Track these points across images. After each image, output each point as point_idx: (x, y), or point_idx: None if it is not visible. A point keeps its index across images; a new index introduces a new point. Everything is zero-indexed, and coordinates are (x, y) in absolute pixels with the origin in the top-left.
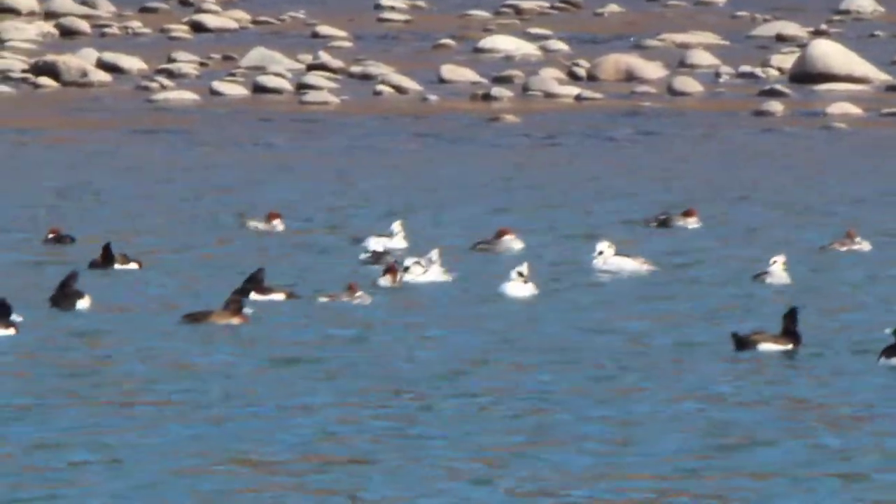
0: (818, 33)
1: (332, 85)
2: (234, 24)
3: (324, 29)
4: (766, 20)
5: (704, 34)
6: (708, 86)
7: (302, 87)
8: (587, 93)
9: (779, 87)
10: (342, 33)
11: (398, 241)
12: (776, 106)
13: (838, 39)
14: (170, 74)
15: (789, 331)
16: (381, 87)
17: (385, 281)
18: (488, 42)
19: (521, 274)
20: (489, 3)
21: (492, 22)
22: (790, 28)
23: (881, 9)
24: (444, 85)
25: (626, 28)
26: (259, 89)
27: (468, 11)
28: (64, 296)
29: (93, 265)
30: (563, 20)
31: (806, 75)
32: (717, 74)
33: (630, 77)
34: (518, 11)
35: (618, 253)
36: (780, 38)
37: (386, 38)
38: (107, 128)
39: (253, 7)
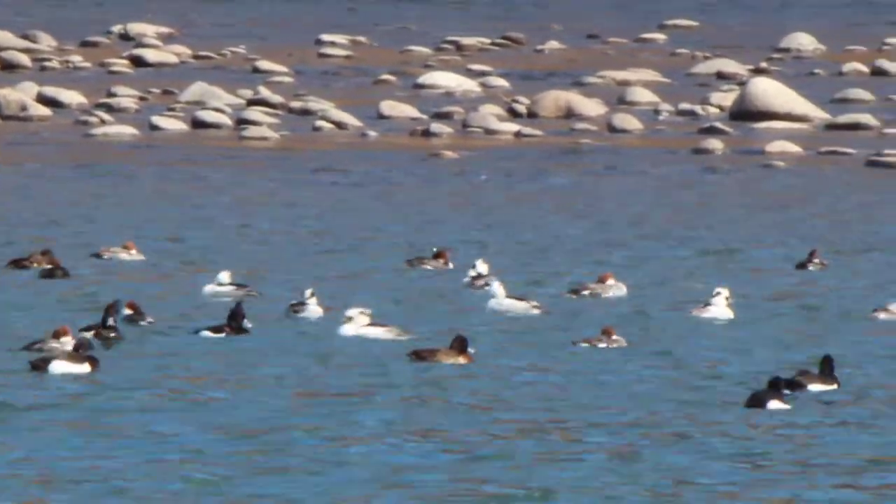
0: (758, 71)
1: (272, 120)
2: (174, 59)
3: (264, 64)
4: (706, 58)
5: (644, 72)
6: (647, 123)
7: (241, 122)
8: (527, 129)
9: (718, 124)
10: (283, 68)
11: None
12: (715, 144)
13: (778, 77)
14: (109, 109)
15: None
16: (320, 123)
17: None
18: (428, 78)
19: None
20: (430, 40)
21: (432, 58)
22: (730, 66)
23: (822, 47)
24: (383, 121)
25: (567, 65)
26: (198, 124)
27: (409, 47)
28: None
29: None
30: (504, 56)
31: (745, 113)
32: (657, 112)
33: (570, 114)
34: (458, 47)
35: (510, 295)
36: (720, 76)
37: (326, 73)
38: (45, 162)
39: (193, 42)
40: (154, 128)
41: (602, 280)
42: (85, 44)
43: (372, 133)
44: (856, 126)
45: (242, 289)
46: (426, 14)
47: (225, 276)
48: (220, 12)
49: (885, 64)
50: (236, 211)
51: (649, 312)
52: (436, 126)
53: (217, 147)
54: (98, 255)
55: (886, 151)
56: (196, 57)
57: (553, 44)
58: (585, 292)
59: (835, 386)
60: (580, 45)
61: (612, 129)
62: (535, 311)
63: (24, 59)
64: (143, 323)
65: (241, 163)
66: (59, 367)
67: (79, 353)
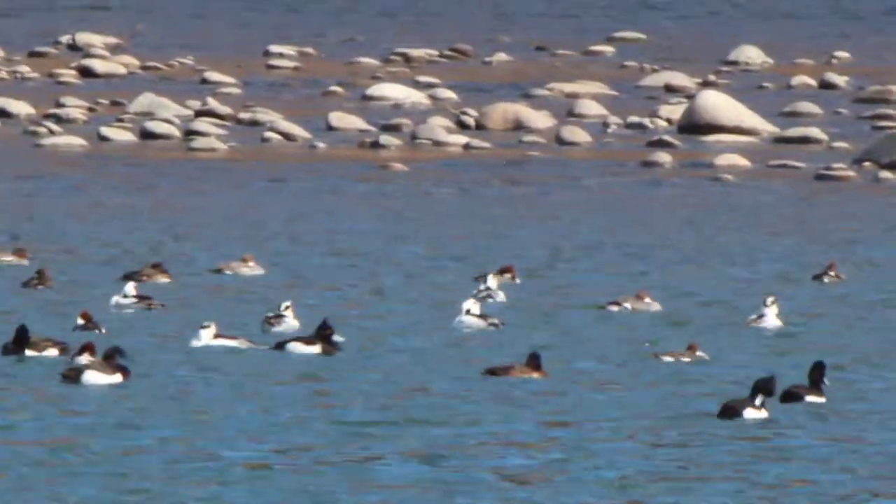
0: (706, 84)
1: (220, 131)
2: (122, 70)
3: (212, 75)
4: (654, 70)
5: (593, 84)
6: (596, 136)
7: (190, 133)
8: (475, 141)
9: (667, 137)
10: (231, 79)
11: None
12: (664, 157)
13: (726, 90)
14: (58, 119)
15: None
16: (269, 134)
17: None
18: (377, 90)
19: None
20: (378, 51)
21: (380, 69)
22: (678, 78)
23: (770, 60)
24: (332, 132)
25: (515, 77)
26: (147, 135)
27: (357, 59)
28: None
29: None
30: (452, 68)
31: (694, 126)
32: (606, 125)
33: (518, 126)
34: (407, 59)
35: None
36: (669, 89)
37: (274, 84)
38: None
39: (141, 52)
40: (103, 138)
41: (640, 297)
42: (33, 54)
43: (321, 144)
44: (804, 140)
45: (146, 301)
46: (373, 25)
47: (130, 287)
48: (167, 23)
49: (833, 77)
50: (192, 222)
51: (692, 326)
52: (384, 138)
53: (166, 159)
54: (218, 271)
55: (835, 165)
56: (144, 68)
57: (501, 56)
58: (627, 305)
59: (822, 398)
60: (528, 58)
61: (561, 141)
62: (493, 328)
63: None
64: (96, 332)
65: (191, 173)
66: (91, 377)
67: (109, 362)
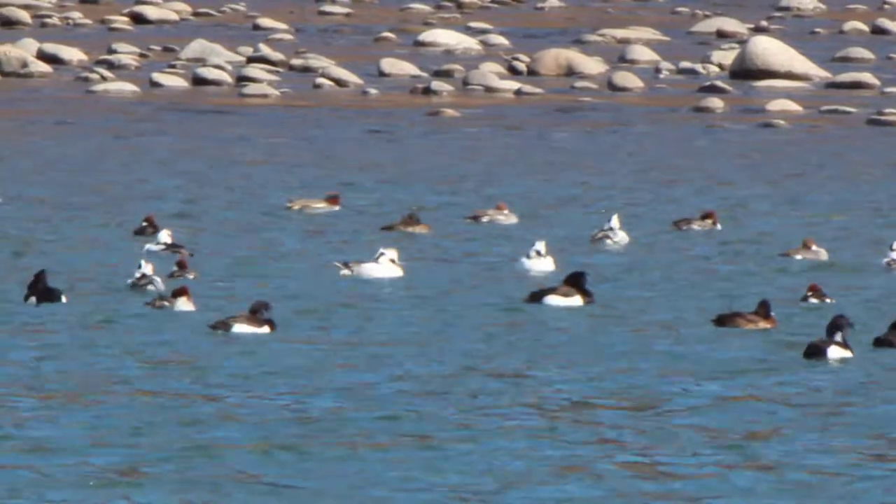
0: (759, 30)
1: (272, 77)
2: (174, 16)
3: (264, 21)
4: (706, 16)
5: (644, 30)
6: (648, 81)
7: (242, 79)
8: (527, 87)
9: (719, 83)
10: (283, 26)
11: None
12: (716, 102)
13: (778, 36)
14: (110, 65)
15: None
16: (321, 80)
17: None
18: (429, 36)
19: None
20: None
21: (432, 16)
22: (730, 24)
23: (822, 6)
24: (384, 78)
25: (567, 23)
26: (199, 81)
27: (409, 5)
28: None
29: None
30: (504, 14)
31: (746, 72)
32: (658, 70)
33: (570, 72)
34: (459, 5)
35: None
36: (721, 35)
37: (327, 31)
38: (46, 119)
39: None
40: (154, 84)
41: (807, 245)
42: (85, 0)
43: (372, 90)
44: (857, 85)
45: (176, 249)
46: None
47: (164, 235)
48: None
49: (885, 23)
50: (244, 169)
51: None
52: (436, 84)
53: (217, 104)
54: (475, 218)
55: (887, 110)
56: (196, 14)
57: (553, 1)
58: (798, 256)
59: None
60: (580, 3)
61: (613, 87)
62: (552, 269)
63: (25, 16)
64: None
65: (242, 120)
66: (239, 328)
67: (257, 315)
